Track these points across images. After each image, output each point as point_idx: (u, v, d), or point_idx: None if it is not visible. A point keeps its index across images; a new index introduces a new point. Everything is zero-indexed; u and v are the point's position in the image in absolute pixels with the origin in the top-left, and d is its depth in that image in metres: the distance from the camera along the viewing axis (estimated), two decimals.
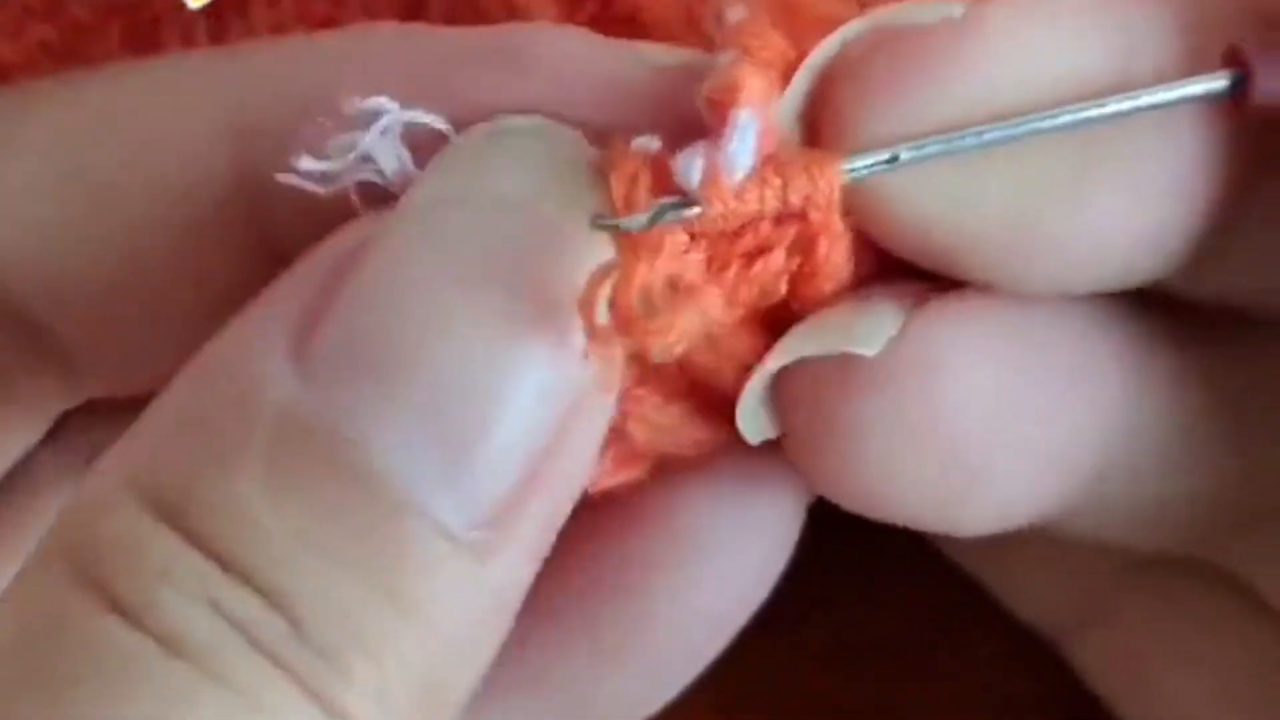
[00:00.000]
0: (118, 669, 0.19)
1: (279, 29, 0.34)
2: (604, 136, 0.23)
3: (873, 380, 0.23)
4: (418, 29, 0.25)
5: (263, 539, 0.20)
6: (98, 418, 0.27)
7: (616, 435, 0.24)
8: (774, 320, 0.24)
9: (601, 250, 0.22)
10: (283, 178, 0.23)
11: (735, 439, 0.25)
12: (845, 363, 0.23)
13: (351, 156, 0.23)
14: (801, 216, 0.23)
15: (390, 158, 0.23)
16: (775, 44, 0.23)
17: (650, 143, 0.22)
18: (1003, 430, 0.23)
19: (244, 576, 0.20)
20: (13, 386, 0.26)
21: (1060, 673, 0.30)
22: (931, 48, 0.22)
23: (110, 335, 0.26)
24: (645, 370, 0.23)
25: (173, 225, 0.25)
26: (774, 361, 0.24)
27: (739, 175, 0.22)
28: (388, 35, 0.25)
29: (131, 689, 0.19)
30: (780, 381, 0.24)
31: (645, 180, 0.22)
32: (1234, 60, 0.23)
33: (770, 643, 0.31)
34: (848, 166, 0.23)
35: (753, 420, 0.24)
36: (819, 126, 0.23)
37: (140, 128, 0.25)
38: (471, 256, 0.21)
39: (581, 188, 0.22)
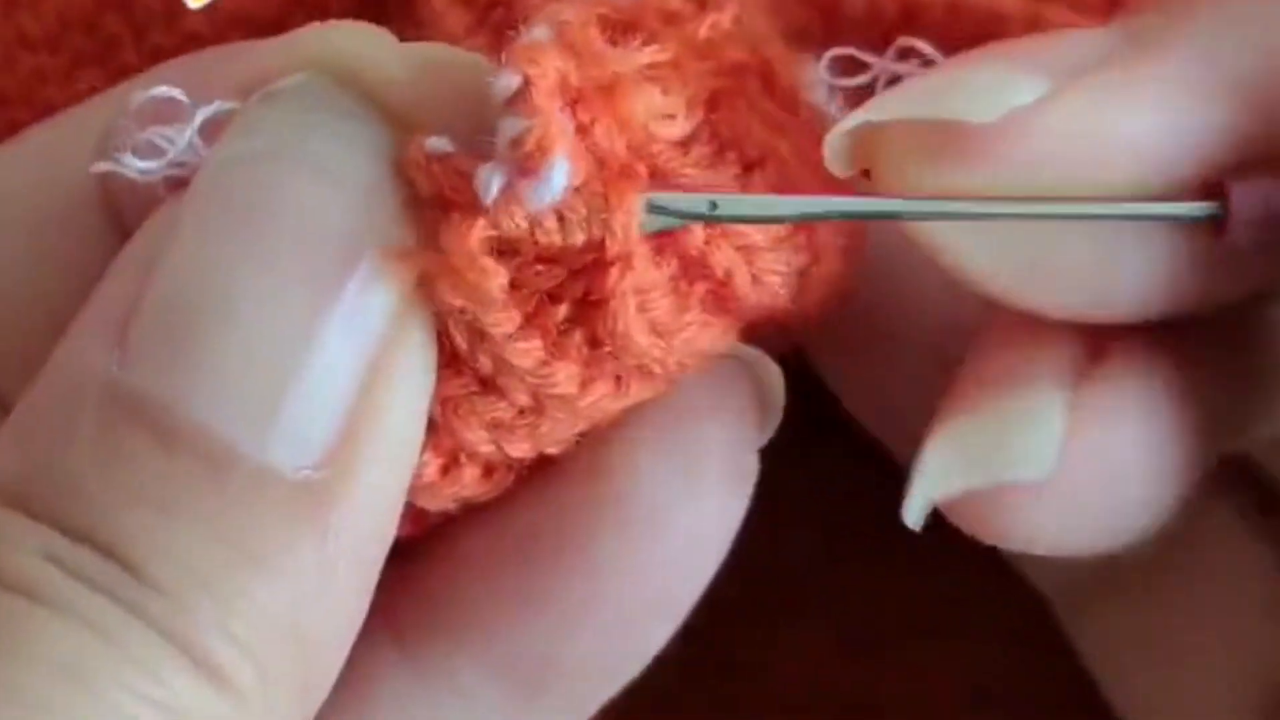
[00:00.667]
0: None
1: None
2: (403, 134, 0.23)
3: (1052, 490, 0.24)
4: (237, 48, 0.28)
5: (93, 502, 0.21)
6: None
7: (439, 430, 0.24)
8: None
9: (375, 186, 0.23)
10: (97, 166, 0.24)
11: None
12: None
13: (164, 161, 0.24)
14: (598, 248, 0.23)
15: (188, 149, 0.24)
16: (556, 71, 0.23)
17: (443, 144, 0.23)
18: (1159, 495, 0.24)
19: (80, 536, 0.21)
20: None
21: (1061, 671, 0.30)
22: (991, 140, 0.23)
23: (16, 356, 0.26)
24: (451, 359, 0.24)
25: (47, 246, 0.26)
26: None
27: (539, 206, 0.23)
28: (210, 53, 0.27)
29: None
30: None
31: (438, 176, 0.23)
32: (1213, 193, 0.23)
33: (772, 637, 0.31)
34: (651, 203, 0.23)
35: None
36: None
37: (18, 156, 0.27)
38: (258, 210, 0.22)
39: (350, 130, 0.23)
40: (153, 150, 0.24)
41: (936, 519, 0.32)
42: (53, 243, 0.26)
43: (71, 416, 0.22)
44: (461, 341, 0.23)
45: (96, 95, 0.28)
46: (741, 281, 0.24)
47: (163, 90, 0.24)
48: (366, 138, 0.23)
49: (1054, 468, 0.23)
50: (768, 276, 0.24)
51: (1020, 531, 0.24)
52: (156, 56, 0.34)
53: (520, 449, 0.24)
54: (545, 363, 0.23)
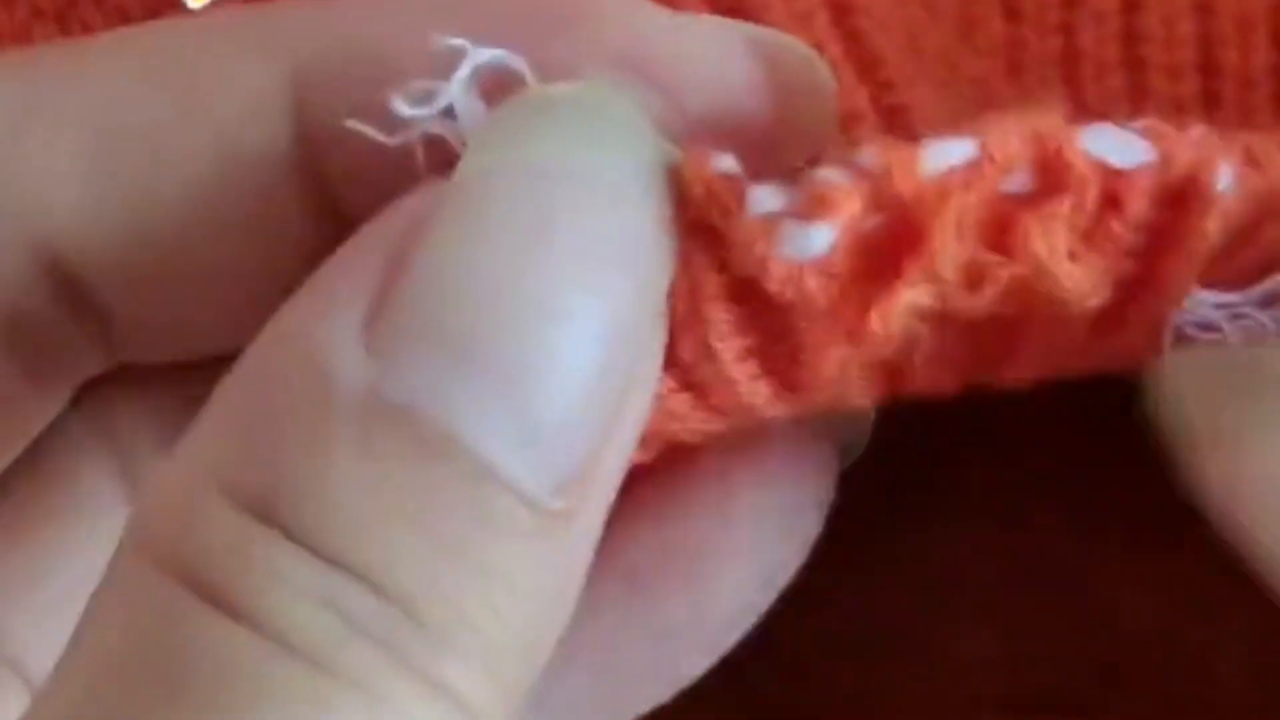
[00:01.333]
0: (241, 677, 0.19)
1: None
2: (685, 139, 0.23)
3: None
4: None
5: (362, 527, 0.20)
6: (122, 386, 0.27)
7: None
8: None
9: (657, 212, 0.22)
10: (352, 123, 0.22)
11: (737, 429, 0.25)
12: None
13: (433, 106, 0.22)
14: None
15: (471, 108, 0.22)
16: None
17: (729, 163, 0.22)
18: None
19: (350, 568, 0.20)
20: (48, 347, 0.26)
21: (1064, 669, 0.31)
22: None
23: (157, 298, 0.25)
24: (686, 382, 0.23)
25: (229, 182, 0.24)
26: None
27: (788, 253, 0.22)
28: None
29: (257, 696, 0.19)
30: None
31: (722, 193, 0.22)
32: None
33: (772, 637, 0.31)
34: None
35: None
36: None
37: (192, 81, 0.25)
38: (530, 227, 0.21)
39: (635, 151, 0.22)
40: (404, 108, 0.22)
41: (937, 520, 0.33)
42: (226, 154, 0.24)
43: (325, 421, 0.20)
44: (685, 353, 0.23)
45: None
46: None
47: (461, 44, 0.22)
48: (652, 159, 0.22)
49: None
50: None
51: None
52: (120, 18, 0.34)
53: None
54: (756, 378, 0.23)
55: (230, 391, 0.21)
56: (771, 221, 0.22)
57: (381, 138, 0.22)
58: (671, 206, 0.22)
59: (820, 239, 0.21)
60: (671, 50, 0.24)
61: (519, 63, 0.23)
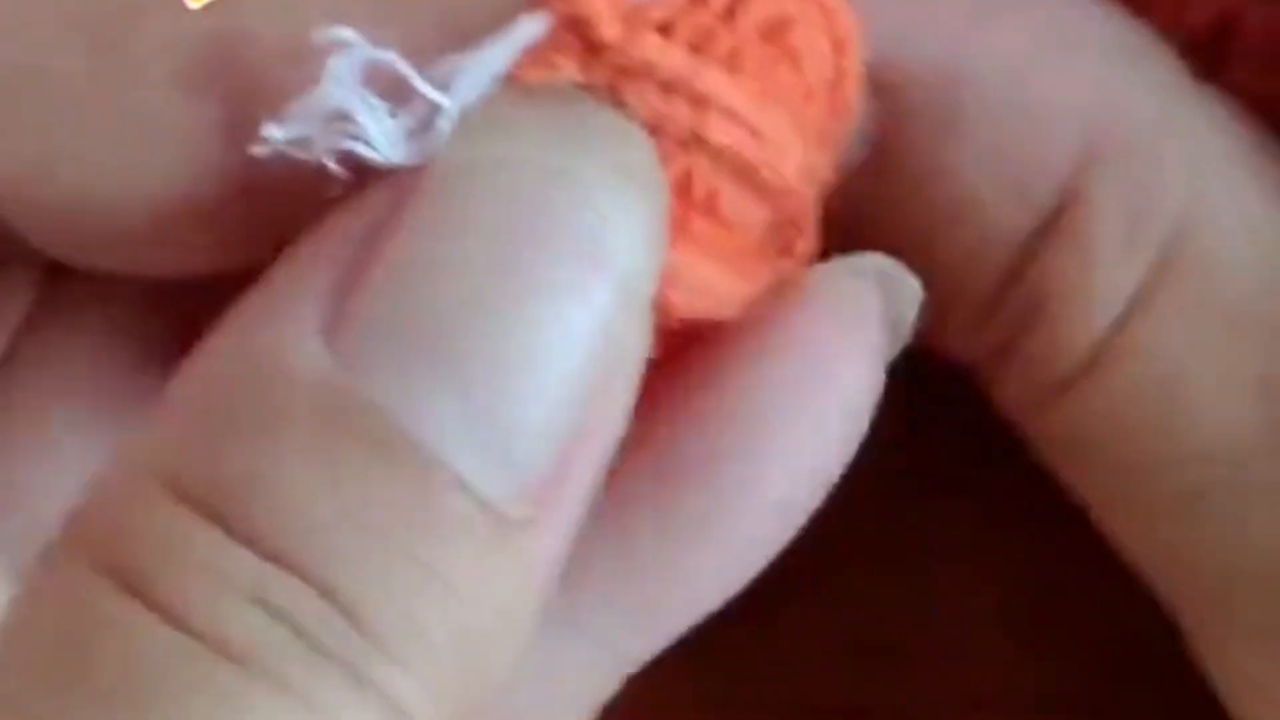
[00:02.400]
0: (164, 676, 0.19)
1: None
2: None
3: None
4: None
5: (309, 526, 0.19)
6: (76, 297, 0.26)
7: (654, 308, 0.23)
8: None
9: (641, 209, 0.22)
10: (257, 150, 0.21)
11: (782, 278, 0.24)
12: None
13: (317, 112, 0.21)
14: None
15: (364, 111, 0.21)
16: None
17: None
18: None
19: (292, 567, 0.19)
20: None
21: (1064, 669, 0.31)
22: None
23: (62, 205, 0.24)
24: (674, 229, 0.22)
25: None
26: None
27: None
28: None
29: (181, 697, 0.19)
30: None
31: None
32: None
33: (772, 637, 0.32)
34: None
35: None
36: None
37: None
38: (507, 225, 0.21)
39: (619, 149, 0.22)
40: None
41: (936, 519, 0.33)
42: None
43: (277, 415, 0.19)
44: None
45: None
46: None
47: (343, 34, 0.21)
48: (637, 158, 0.22)
49: None
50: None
51: None
52: None
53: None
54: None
55: (180, 388, 0.20)
56: None
57: (299, 155, 0.21)
58: (659, 204, 0.22)
59: None
60: None
61: (397, 59, 0.22)
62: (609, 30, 0.22)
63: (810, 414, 0.24)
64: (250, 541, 0.19)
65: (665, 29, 0.22)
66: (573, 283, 0.20)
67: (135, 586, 0.19)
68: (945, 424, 0.33)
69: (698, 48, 0.22)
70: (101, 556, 0.20)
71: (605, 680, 0.25)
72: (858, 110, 0.24)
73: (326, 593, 0.19)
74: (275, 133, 0.21)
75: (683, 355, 0.24)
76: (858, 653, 0.32)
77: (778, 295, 0.24)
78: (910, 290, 0.25)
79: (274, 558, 0.19)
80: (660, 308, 0.22)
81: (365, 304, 0.20)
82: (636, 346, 0.22)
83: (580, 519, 0.21)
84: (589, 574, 0.24)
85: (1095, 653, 0.32)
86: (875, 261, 0.25)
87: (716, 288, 0.23)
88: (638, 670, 0.25)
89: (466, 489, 0.20)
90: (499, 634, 0.21)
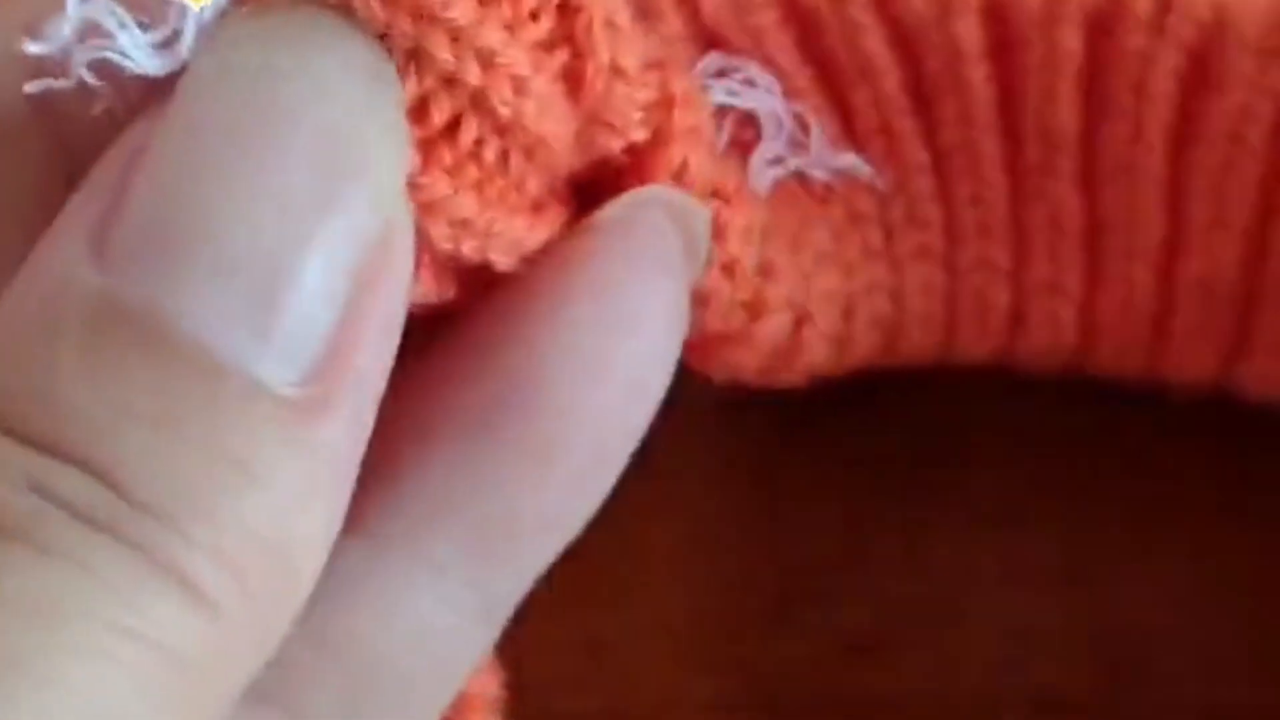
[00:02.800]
0: None
1: None
2: None
3: None
4: None
5: (78, 417, 0.20)
6: None
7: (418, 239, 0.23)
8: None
9: (381, 104, 0.22)
10: (30, 87, 0.22)
11: (558, 226, 0.24)
12: None
13: (66, 27, 0.22)
14: None
15: (110, 20, 0.22)
16: None
17: None
18: None
19: (63, 455, 0.20)
20: None
21: (1064, 669, 0.31)
22: None
23: None
24: (427, 155, 0.23)
25: None
26: None
27: None
28: None
29: None
30: None
31: None
32: None
33: (773, 637, 0.32)
34: None
35: None
36: None
37: None
38: (253, 119, 0.21)
39: (352, 49, 0.22)
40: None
41: (938, 521, 0.33)
42: None
43: (53, 328, 0.21)
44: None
45: None
46: (599, 63, 0.24)
47: None
48: (358, 53, 0.22)
49: None
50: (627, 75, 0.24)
51: None
52: None
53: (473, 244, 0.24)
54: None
55: None
56: None
57: (60, 84, 0.22)
58: (390, 98, 0.22)
59: None
60: None
61: None
62: None
63: (625, 342, 0.24)
64: (26, 439, 0.20)
65: None
66: (310, 171, 0.21)
67: None
68: (944, 425, 0.33)
69: None
70: None
71: (478, 626, 0.25)
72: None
73: (102, 475, 0.20)
74: (31, 48, 0.22)
75: (485, 297, 0.24)
76: (858, 652, 0.32)
77: (572, 233, 0.25)
78: (700, 214, 0.26)
79: (50, 452, 0.20)
80: (424, 240, 0.23)
81: (125, 215, 0.21)
82: (398, 243, 0.22)
83: (369, 415, 0.22)
84: (435, 512, 0.24)
85: (1095, 653, 0.32)
86: (657, 192, 0.25)
87: (478, 225, 0.23)
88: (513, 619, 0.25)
89: (237, 371, 0.21)
90: (297, 522, 0.21)
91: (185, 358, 0.21)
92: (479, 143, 0.23)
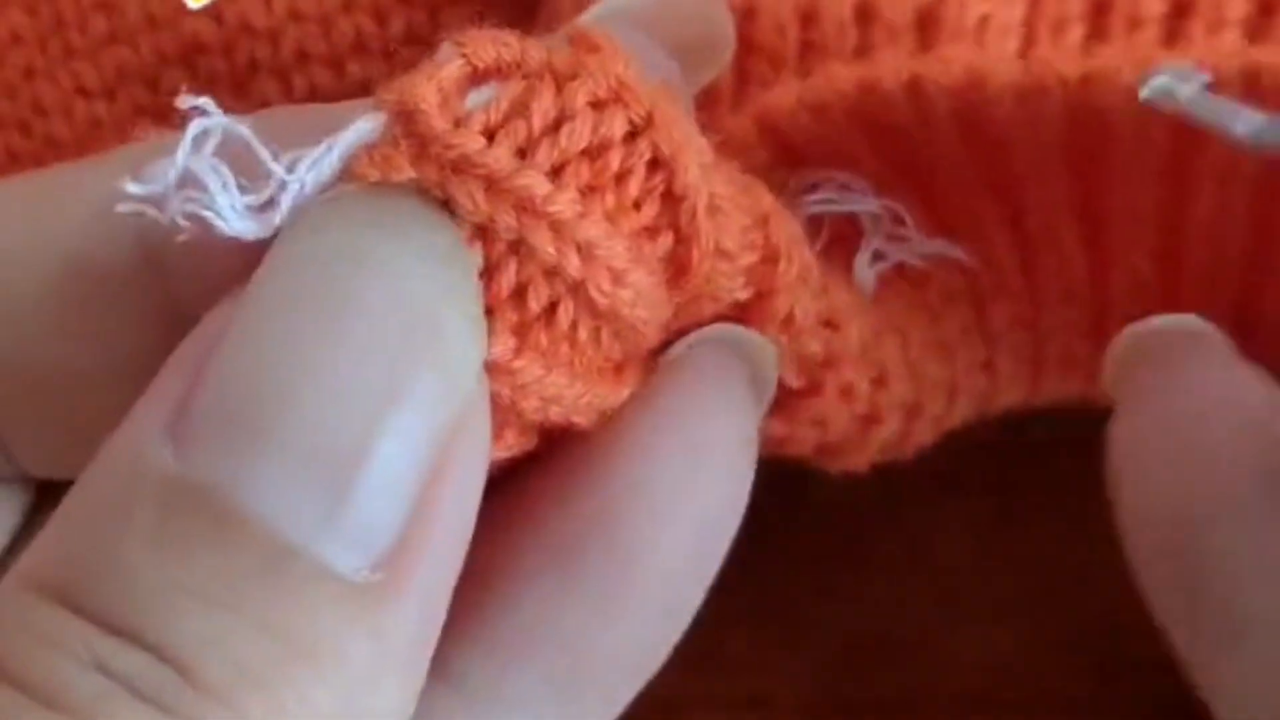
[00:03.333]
0: None
1: None
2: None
3: None
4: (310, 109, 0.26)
5: (147, 597, 0.20)
6: None
7: (504, 411, 0.23)
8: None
9: (457, 293, 0.22)
10: (123, 207, 0.23)
11: (637, 383, 0.25)
12: None
13: (171, 174, 0.22)
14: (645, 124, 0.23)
15: (211, 177, 0.22)
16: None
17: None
18: None
19: (130, 635, 0.20)
20: None
21: (1064, 669, 0.31)
22: None
23: (32, 417, 0.26)
24: (523, 339, 0.23)
25: (76, 296, 0.25)
26: None
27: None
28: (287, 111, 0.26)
29: None
30: None
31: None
32: None
33: (771, 636, 0.32)
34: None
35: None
36: None
37: (33, 197, 0.26)
38: (329, 303, 0.22)
39: (431, 232, 0.23)
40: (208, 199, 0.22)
41: (937, 519, 0.33)
42: (87, 300, 0.25)
43: (126, 508, 0.21)
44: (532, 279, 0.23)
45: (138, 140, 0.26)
46: (704, 249, 0.24)
47: (203, 102, 0.23)
48: (438, 242, 0.22)
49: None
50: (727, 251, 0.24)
51: None
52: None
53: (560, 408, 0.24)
54: (609, 235, 0.23)
55: (61, 504, 0.22)
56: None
57: (151, 211, 0.22)
58: (475, 285, 0.22)
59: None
60: None
61: (244, 128, 0.23)
62: (436, 123, 0.22)
63: (695, 478, 0.25)
64: (94, 617, 0.21)
65: (490, 134, 0.22)
66: (386, 359, 0.21)
67: None
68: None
69: (522, 153, 0.22)
70: None
71: None
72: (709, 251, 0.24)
73: (163, 655, 0.20)
74: (131, 188, 0.22)
75: (562, 445, 0.25)
76: (858, 652, 0.32)
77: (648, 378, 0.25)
78: (765, 349, 0.26)
79: (116, 631, 0.20)
80: (514, 411, 0.23)
81: (200, 399, 0.22)
82: (473, 429, 0.22)
83: (444, 595, 0.22)
84: (521, 653, 0.25)
85: (1095, 653, 0.32)
86: (722, 330, 0.26)
87: (567, 398, 0.24)
88: None
89: (306, 555, 0.21)
90: (369, 702, 0.21)
91: (253, 540, 0.21)
92: (574, 325, 0.23)
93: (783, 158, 0.29)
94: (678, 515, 0.25)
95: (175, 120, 0.34)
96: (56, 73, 0.37)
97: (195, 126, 0.22)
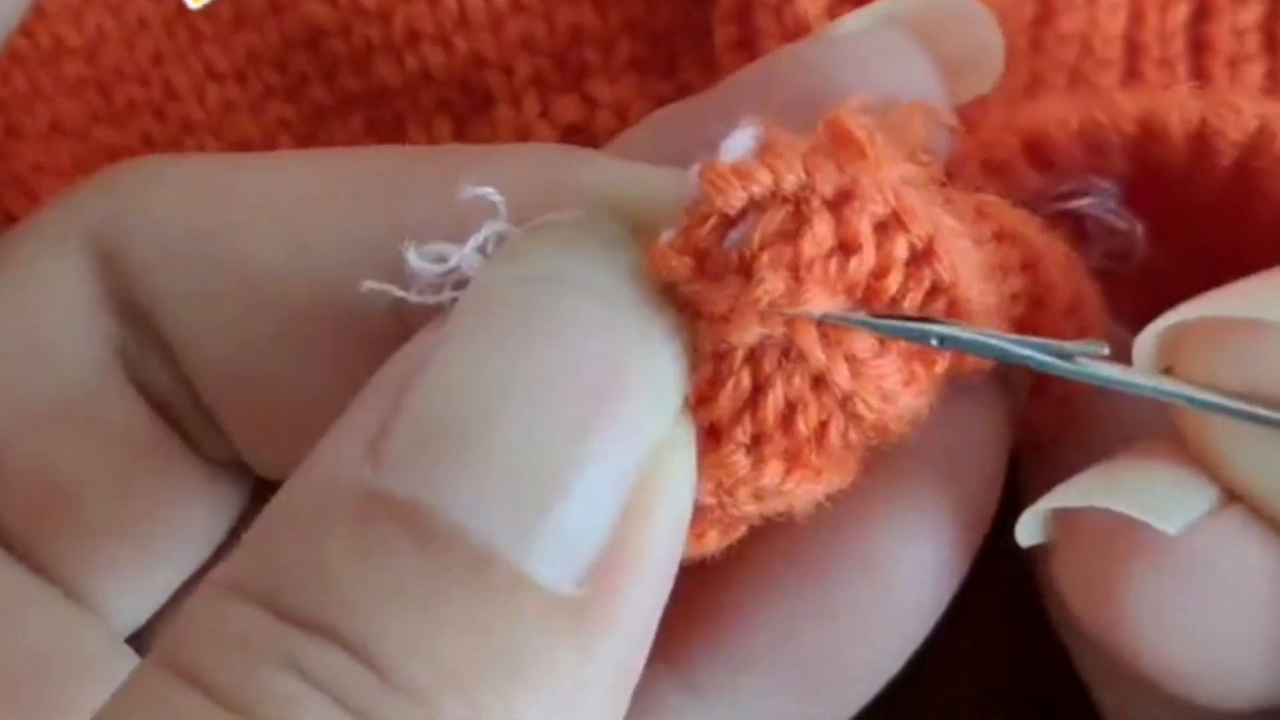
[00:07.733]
0: None
1: (522, 132, 0.36)
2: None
3: (1167, 557, 0.24)
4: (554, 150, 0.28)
5: (347, 599, 0.21)
6: None
7: (714, 511, 0.24)
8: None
9: (645, 310, 0.23)
10: (369, 284, 0.24)
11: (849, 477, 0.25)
12: (1138, 524, 0.24)
13: (448, 267, 0.24)
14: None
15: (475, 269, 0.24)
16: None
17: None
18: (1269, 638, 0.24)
19: (324, 633, 0.21)
20: (200, 476, 0.29)
21: (1065, 669, 0.30)
22: None
23: (262, 423, 0.28)
24: (794, 460, 0.24)
25: (330, 318, 0.27)
26: (1061, 498, 0.25)
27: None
28: (531, 152, 0.27)
29: None
30: (1062, 515, 0.25)
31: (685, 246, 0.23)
32: None
33: None
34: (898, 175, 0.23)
35: (1030, 529, 0.25)
36: None
37: (302, 220, 0.27)
38: (530, 326, 0.22)
39: (621, 259, 0.23)
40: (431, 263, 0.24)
41: None
42: (330, 291, 0.27)
43: (324, 517, 0.22)
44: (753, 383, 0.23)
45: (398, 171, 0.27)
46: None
47: (488, 192, 0.24)
48: (637, 267, 0.23)
49: (1182, 529, 0.24)
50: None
51: (1127, 593, 0.24)
52: (348, 100, 0.37)
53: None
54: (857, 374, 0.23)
55: (258, 518, 0.23)
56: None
57: (397, 292, 0.24)
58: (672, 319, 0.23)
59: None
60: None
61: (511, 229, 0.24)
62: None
63: (949, 491, 0.26)
64: (292, 618, 0.21)
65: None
66: (588, 376, 0.22)
67: (180, 666, 0.21)
68: None
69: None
70: (164, 650, 0.22)
71: None
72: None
73: (361, 655, 0.21)
74: (412, 258, 0.24)
75: None
76: None
77: None
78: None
79: (315, 630, 0.21)
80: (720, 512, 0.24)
81: (401, 420, 0.22)
82: (677, 463, 0.23)
83: (650, 623, 0.23)
84: (752, 662, 0.26)
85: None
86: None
87: (794, 496, 0.24)
88: None
89: (505, 561, 0.21)
90: (573, 707, 0.21)
91: (452, 546, 0.21)
92: (824, 424, 0.24)
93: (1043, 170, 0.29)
94: (929, 528, 0.25)
95: (306, 103, 0.37)
96: (187, 57, 0.38)
97: (487, 230, 0.24)
